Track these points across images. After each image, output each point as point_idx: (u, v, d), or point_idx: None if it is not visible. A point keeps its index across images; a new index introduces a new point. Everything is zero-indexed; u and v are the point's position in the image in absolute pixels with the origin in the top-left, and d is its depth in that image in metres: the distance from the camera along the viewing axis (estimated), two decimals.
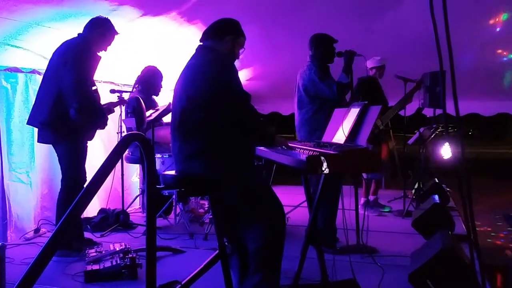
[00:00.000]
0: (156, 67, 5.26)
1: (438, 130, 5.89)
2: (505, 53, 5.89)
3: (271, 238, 2.55)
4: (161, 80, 5.31)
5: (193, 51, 2.79)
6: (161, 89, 5.37)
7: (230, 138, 2.59)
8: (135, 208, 5.76)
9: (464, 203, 1.68)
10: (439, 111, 5.89)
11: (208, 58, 2.67)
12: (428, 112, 6.90)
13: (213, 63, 2.63)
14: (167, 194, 4.96)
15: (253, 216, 2.58)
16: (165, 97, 5.62)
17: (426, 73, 5.25)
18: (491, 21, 5.11)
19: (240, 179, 2.59)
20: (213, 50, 2.72)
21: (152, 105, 5.08)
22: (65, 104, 3.66)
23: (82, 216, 4.24)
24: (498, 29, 5.24)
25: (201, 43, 2.80)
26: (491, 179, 10.83)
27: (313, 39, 4.09)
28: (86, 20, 3.85)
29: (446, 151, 6.20)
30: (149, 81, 5.22)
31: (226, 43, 2.75)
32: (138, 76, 5.25)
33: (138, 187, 5.88)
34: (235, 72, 2.66)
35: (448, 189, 5.95)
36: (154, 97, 5.38)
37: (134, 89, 5.23)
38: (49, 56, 3.86)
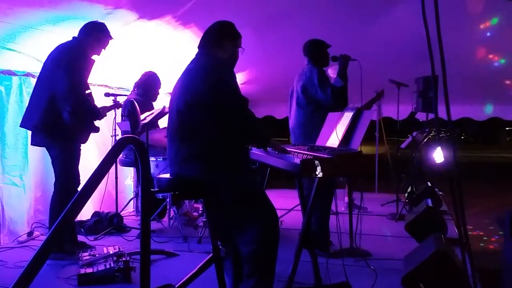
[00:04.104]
0: (155, 73, 5.27)
1: (431, 134, 5.93)
2: (496, 58, 5.94)
3: (265, 242, 2.56)
4: (159, 87, 5.31)
5: (188, 55, 2.82)
6: (158, 96, 5.38)
7: (227, 141, 2.60)
8: (129, 211, 5.74)
9: (456, 207, 1.70)
10: (431, 116, 5.93)
11: (206, 63, 2.69)
12: (421, 116, 6.94)
13: (212, 68, 2.66)
14: (161, 197, 4.95)
15: (247, 219, 2.60)
16: (160, 101, 5.62)
17: (418, 77, 5.29)
18: (482, 26, 5.16)
19: (236, 182, 2.61)
20: (212, 55, 2.74)
21: (150, 109, 5.08)
22: (59, 107, 3.65)
23: (75, 219, 4.23)
24: (488, 34, 5.28)
25: (200, 49, 2.81)
26: (483, 183, 10.89)
27: (307, 46, 4.14)
28: (81, 24, 3.85)
29: (438, 155, 6.24)
30: (149, 85, 5.23)
31: (227, 49, 2.79)
32: (138, 80, 5.26)
33: (132, 190, 5.87)
34: (233, 76, 2.68)
35: (440, 192, 5.98)
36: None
37: (132, 92, 5.23)
38: (43, 59, 3.85)
